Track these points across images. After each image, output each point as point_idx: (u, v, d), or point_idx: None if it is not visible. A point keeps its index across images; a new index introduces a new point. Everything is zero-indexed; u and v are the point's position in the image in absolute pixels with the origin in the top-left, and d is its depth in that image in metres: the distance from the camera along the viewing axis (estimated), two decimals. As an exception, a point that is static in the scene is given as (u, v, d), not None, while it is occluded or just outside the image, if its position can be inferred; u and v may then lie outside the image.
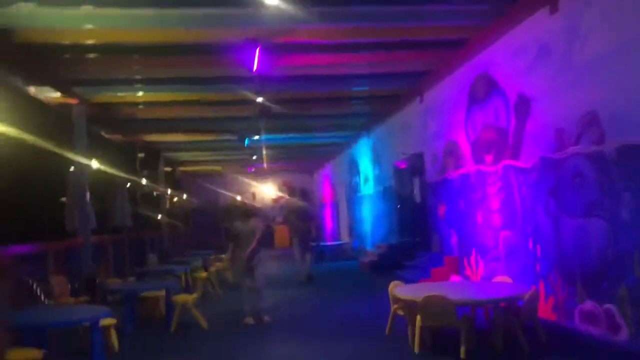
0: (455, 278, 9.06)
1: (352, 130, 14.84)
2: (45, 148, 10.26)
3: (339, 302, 8.71)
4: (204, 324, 6.69)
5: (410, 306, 5.26)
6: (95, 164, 9.62)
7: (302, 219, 12.03)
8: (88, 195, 9.46)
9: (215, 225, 22.81)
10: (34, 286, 7.32)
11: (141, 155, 13.94)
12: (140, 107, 10.88)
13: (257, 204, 24.62)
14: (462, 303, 5.12)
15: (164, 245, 17.09)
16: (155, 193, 18.11)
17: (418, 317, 5.03)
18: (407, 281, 9.86)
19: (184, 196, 22.59)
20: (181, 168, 21.98)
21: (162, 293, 7.02)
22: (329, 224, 22.46)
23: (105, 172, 13.31)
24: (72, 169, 9.34)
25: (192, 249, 19.15)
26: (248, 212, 7.36)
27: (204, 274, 9.47)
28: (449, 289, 5.70)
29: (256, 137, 14.32)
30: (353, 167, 17.39)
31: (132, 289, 6.94)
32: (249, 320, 7.00)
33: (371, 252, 13.59)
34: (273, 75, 8.87)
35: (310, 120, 13.15)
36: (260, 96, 9.74)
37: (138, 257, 12.84)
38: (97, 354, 4.92)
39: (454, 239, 9.32)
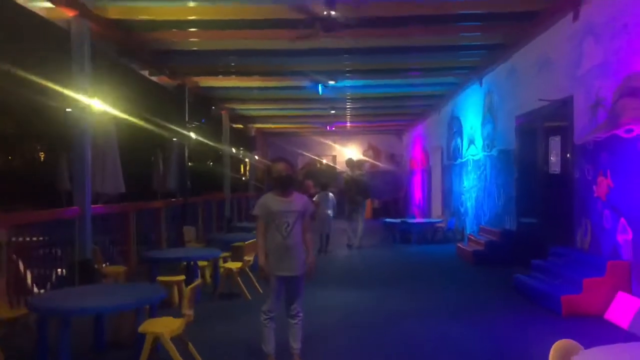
0: (626, 298, 5.57)
1: (458, 74, 11.22)
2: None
3: (428, 326, 5.53)
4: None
5: None
6: (98, 103, 7.01)
7: (360, 189, 11.97)
8: (91, 148, 6.98)
9: (296, 188, 20.38)
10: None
11: (190, 100, 11.36)
12: (188, 30, 8.09)
13: (336, 168, 21.79)
14: None
15: (225, 214, 14.76)
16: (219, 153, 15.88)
17: None
18: (536, 293, 6.50)
19: (256, 157, 20.23)
20: (255, 125, 19.54)
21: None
22: (417, 196, 19.04)
23: (141, 125, 10.98)
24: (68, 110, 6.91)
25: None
26: (289, 179, 4.28)
27: (235, 265, 6.70)
28: None
29: (332, 82, 11.22)
30: (453, 126, 13.79)
31: (68, 309, 3.79)
32: (271, 365, 4.07)
33: (475, 237, 10.18)
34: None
35: (403, 57, 9.76)
36: (331, 9, 6.63)
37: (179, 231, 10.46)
38: None
39: (625, 234, 5.77)
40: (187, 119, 11.26)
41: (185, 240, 8.99)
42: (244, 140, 20.01)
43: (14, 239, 5.53)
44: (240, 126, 18.96)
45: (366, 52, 9.32)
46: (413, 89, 12.90)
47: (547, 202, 8.01)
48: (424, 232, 13.09)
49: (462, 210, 12.89)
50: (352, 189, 11.95)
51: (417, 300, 6.71)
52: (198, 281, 4.20)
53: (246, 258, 6.80)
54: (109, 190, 8.71)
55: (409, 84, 12.30)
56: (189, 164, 11.70)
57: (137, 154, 14.36)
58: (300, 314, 4.22)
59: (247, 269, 6.94)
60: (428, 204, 16.90)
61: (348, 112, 16.47)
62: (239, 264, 6.79)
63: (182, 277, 6.33)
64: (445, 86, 12.45)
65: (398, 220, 13.69)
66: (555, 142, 7.73)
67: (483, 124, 11.13)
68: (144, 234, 9.64)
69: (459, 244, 10.78)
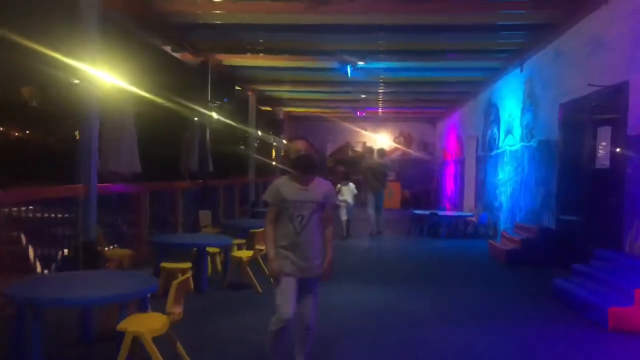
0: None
1: (497, 58, 10.39)
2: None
3: (451, 332, 4.95)
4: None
5: None
6: (108, 76, 6.60)
7: (379, 177, 11.92)
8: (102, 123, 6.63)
9: (323, 176, 19.84)
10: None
11: (214, 79, 10.88)
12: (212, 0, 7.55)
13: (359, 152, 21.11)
14: None
15: (250, 198, 14.36)
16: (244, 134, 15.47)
17: None
18: (578, 301, 5.72)
19: (284, 141, 19.78)
20: (283, 108, 19.09)
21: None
22: (449, 188, 18.25)
23: (160, 103, 10.59)
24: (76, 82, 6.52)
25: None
26: (309, 161, 3.65)
27: (245, 254, 6.25)
28: None
29: (361, 63, 10.58)
30: (490, 115, 12.97)
31: (41, 300, 3.39)
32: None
33: (509, 234, 9.46)
34: None
35: (439, 36, 9.03)
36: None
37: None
38: None
39: (684, 240, 5.04)
40: (209, 98, 10.82)
41: (202, 225, 8.59)
42: (271, 123, 19.58)
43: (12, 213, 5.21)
44: (268, 108, 18.51)
45: (401, 29, 8.66)
46: (449, 74, 12.12)
47: (592, 200, 7.26)
48: (454, 226, 12.39)
49: (496, 204, 12.12)
50: (369, 177, 11.91)
51: (442, 302, 6.12)
52: (187, 275, 3.71)
53: (258, 247, 6.33)
54: (123, 169, 8.36)
55: (445, 68, 11.52)
56: (214, 145, 11.30)
57: (158, 133, 14.06)
58: (313, 325, 3.60)
59: (260, 259, 6.47)
60: (460, 196, 16.13)
61: (380, 97, 15.78)
62: (249, 253, 6.33)
63: (188, 265, 5.91)
64: (483, 71, 11.64)
65: (427, 212, 13.02)
66: (604, 133, 6.94)
67: (522, 112, 10.33)
68: (160, 216, 9.31)
69: (491, 241, 10.06)
